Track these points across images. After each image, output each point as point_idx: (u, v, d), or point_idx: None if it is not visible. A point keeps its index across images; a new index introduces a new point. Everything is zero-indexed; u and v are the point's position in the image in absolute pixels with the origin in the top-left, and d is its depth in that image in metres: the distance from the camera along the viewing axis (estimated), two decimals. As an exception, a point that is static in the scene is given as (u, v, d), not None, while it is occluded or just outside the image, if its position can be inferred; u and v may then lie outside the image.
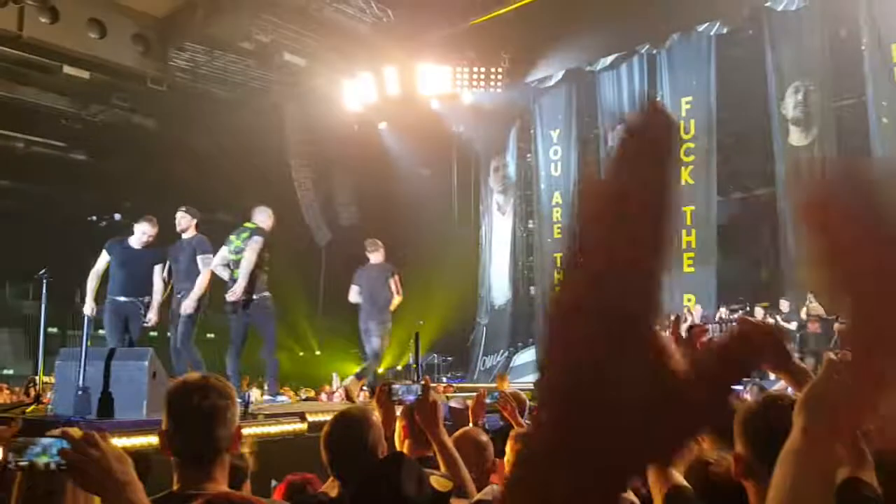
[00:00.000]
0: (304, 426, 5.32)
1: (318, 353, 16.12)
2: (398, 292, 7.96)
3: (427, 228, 14.81)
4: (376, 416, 2.76)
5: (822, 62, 11.83)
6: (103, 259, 6.67)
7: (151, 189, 15.27)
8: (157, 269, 6.73)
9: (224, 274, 6.93)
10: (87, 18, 12.58)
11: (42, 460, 1.40)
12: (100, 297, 6.67)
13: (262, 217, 7.21)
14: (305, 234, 15.57)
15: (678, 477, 1.91)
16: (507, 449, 3.21)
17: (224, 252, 6.98)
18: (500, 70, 13.94)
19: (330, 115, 15.08)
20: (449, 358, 15.21)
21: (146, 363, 5.06)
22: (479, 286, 16.04)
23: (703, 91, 13.09)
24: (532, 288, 15.73)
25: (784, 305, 11.59)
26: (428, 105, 14.69)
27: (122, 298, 6.58)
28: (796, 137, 12.20)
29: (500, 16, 12.65)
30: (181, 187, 15.67)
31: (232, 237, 7.05)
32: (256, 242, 6.79)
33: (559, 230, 14.87)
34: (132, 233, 6.72)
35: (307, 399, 10.71)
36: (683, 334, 1.91)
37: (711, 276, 12.99)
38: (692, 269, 13.11)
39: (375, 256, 8.12)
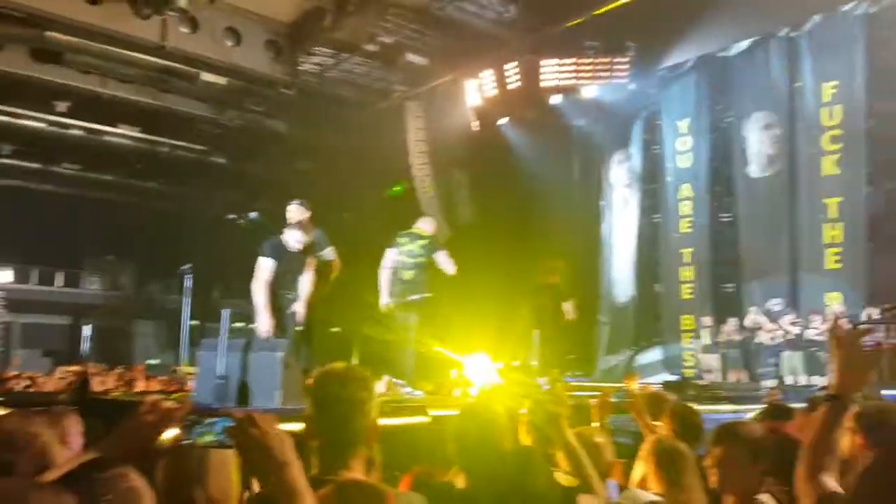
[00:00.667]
0: (427, 419, 5.36)
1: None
2: None
3: (548, 224, 14.62)
4: (503, 410, 2.73)
5: None
6: (268, 266, 6.51)
7: (284, 189, 15.97)
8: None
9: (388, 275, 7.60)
10: (224, 27, 13.30)
11: (207, 438, 1.50)
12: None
13: (431, 226, 8.05)
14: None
15: (831, 483, 1.74)
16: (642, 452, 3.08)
17: (394, 255, 7.71)
18: (624, 60, 13.50)
19: (451, 113, 15.18)
20: (569, 357, 14.94)
21: (280, 354, 5.26)
22: (600, 283, 15.65)
23: (850, 75, 12.12)
24: (657, 285, 15.18)
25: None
26: (549, 100, 14.47)
27: (291, 295, 6.63)
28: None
29: (625, 4, 12.21)
30: (310, 187, 16.33)
31: (402, 241, 7.81)
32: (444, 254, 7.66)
33: (687, 224, 14.26)
34: (275, 232, 6.73)
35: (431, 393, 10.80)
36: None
37: (860, 273, 12.02)
38: (838, 266, 12.20)
39: None
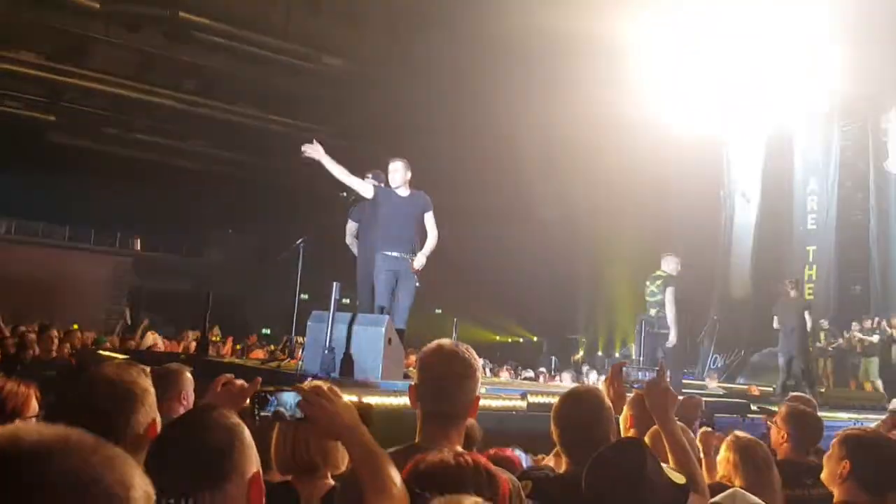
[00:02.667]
0: (523, 403, 5.37)
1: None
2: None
3: (667, 216, 14.17)
4: (607, 398, 2.69)
5: None
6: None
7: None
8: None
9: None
10: (346, 11, 13.59)
11: (281, 411, 1.64)
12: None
13: (672, 265, 8.53)
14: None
15: None
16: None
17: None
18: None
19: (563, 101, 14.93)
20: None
21: (383, 329, 5.35)
22: (714, 277, 15.03)
23: None
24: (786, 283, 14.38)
25: None
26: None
27: (395, 254, 5.90)
28: None
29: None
30: (424, 171, 16.55)
31: (647, 282, 8.62)
32: (671, 293, 8.13)
33: (812, 221, 13.44)
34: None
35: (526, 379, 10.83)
36: None
37: None
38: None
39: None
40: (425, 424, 1.95)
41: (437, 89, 15.46)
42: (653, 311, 8.50)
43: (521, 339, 16.63)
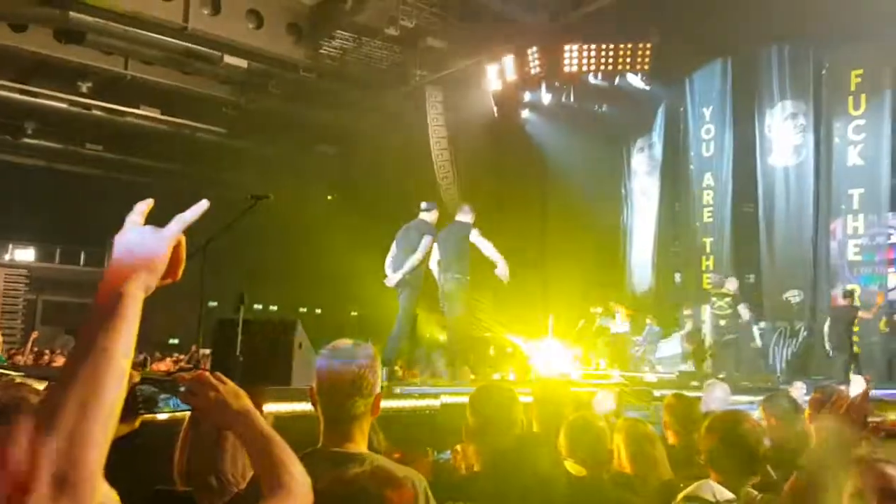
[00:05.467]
0: (437, 402, 5.41)
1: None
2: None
3: (567, 212, 14.53)
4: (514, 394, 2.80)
5: None
6: None
7: (304, 172, 16.06)
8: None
9: None
10: (246, 10, 13.30)
11: (169, 407, 1.57)
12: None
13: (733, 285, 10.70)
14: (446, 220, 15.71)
15: None
16: None
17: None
18: (648, 47, 13.33)
19: (471, 98, 15.09)
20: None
21: (293, 335, 5.30)
22: (622, 272, 15.57)
23: (875, 61, 11.90)
24: (677, 275, 15.05)
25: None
26: (571, 85, 14.33)
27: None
28: None
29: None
30: (332, 170, 16.40)
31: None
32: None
33: (709, 214, 14.12)
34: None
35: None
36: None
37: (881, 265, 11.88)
38: (858, 258, 12.08)
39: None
40: (327, 426, 1.93)
41: (342, 90, 15.38)
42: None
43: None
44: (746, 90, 13.63)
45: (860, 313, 10.78)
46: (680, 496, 2.37)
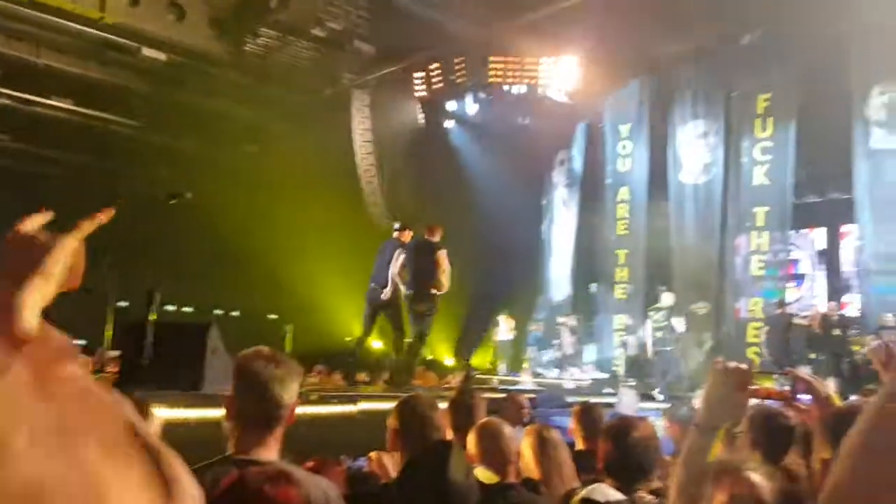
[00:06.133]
0: (355, 409, 5.38)
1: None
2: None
3: (491, 223, 14.71)
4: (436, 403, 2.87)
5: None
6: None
7: (224, 171, 15.66)
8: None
9: None
10: (168, 1, 12.92)
11: None
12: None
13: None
14: (369, 223, 15.65)
15: None
16: None
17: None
18: (573, 62, 13.66)
19: (397, 104, 15.12)
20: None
21: (206, 338, 5.17)
22: (539, 282, 15.89)
23: (782, 88, 12.58)
24: (593, 285, 15.47)
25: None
26: (495, 96, 14.55)
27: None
28: (880, 140, 11.61)
29: (575, 5, 12.30)
30: (252, 170, 16.05)
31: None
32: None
33: (624, 227, 14.57)
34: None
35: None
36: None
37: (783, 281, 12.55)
38: (762, 272, 12.73)
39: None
40: (241, 434, 1.92)
41: (265, 89, 15.12)
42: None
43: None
44: (662, 109, 14.16)
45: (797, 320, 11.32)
46: (575, 498, 2.45)
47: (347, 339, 16.11)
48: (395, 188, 15.67)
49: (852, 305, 12.71)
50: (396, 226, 8.71)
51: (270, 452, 1.92)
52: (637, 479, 2.51)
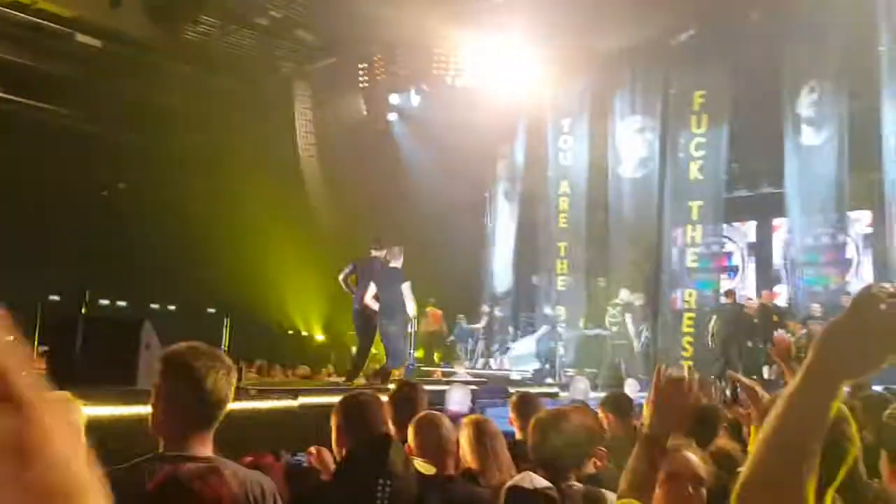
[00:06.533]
0: (295, 403, 5.35)
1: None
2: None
3: (433, 215, 14.73)
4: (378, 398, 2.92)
5: (837, 62, 11.65)
6: None
7: (165, 160, 15.24)
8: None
9: None
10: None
11: None
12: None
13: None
14: (310, 215, 15.49)
15: None
16: None
17: None
18: (513, 57, 13.75)
19: (340, 95, 14.98)
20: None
21: (140, 334, 5.06)
22: (482, 274, 16.02)
23: (717, 85, 12.94)
24: (534, 277, 15.67)
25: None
26: (440, 89, 14.55)
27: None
28: (809, 137, 12.07)
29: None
30: (192, 161, 15.67)
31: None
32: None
33: (564, 220, 14.79)
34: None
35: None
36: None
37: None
38: (695, 265, 13.10)
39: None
40: (173, 431, 1.89)
41: (204, 77, 14.80)
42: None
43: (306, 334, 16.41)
44: (602, 104, 14.41)
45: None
46: (505, 486, 2.51)
47: (289, 331, 15.98)
48: (336, 180, 15.54)
49: (781, 297, 13.18)
50: (374, 244, 8.93)
51: (205, 449, 1.90)
52: (566, 467, 2.58)
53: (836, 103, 11.70)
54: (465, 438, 3.07)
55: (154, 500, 1.59)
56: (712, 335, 11.67)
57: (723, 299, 12.11)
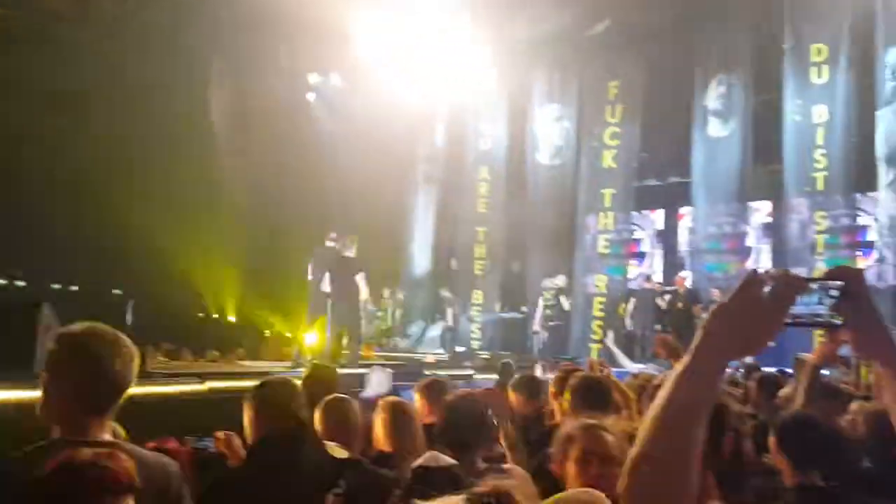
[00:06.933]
0: (203, 387, 5.23)
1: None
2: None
3: (355, 197, 14.57)
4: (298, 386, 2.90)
5: (745, 58, 12.17)
6: None
7: (67, 136, 14.44)
8: None
9: None
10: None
11: None
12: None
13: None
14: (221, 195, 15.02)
15: None
16: None
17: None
18: (435, 40, 13.70)
19: (255, 73, 14.56)
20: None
21: (38, 315, 4.83)
22: (402, 256, 16.00)
23: (630, 76, 13.30)
24: (453, 261, 15.77)
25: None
26: (359, 69, 14.34)
27: None
28: (715, 129, 12.56)
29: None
30: (101, 137, 14.90)
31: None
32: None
33: (483, 205, 14.94)
34: None
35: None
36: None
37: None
38: (606, 251, 13.50)
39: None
40: (71, 415, 1.84)
41: (113, 52, 14.09)
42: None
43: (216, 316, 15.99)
44: (521, 91, 14.58)
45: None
46: (413, 465, 2.55)
47: (199, 314, 15.53)
48: (251, 160, 15.13)
49: (686, 282, 13.74)
50: (333, 235, 9.60)
51: (103, 433, 1.86)
52: (472, 447, 2.64)
53: (741, 97, 12.22)
54: (380, 421, 3.08)
55: (48, 486, 1.53)
56: (631, 318, 12.21)
57: (634, 284, 12.61)
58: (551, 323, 12.57)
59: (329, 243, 9.48)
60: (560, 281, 12.78)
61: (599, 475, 1.96)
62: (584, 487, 1.81)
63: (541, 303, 12.78)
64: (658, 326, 12.04)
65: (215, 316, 15.73)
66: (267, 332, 15.10)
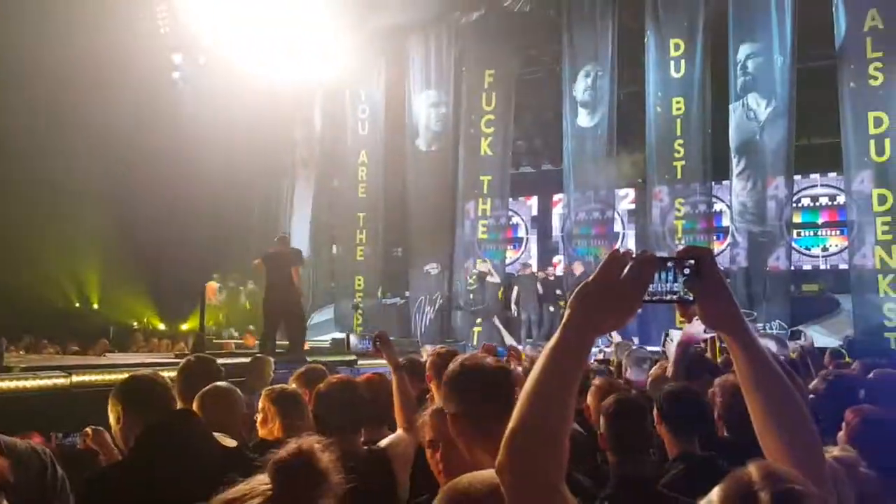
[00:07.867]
0: (66, 382, 4.93)
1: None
2: None
3: (231, 181, 14.04)
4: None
5: (611, 50, 12.72)
6: None
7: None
8: None
9: None
10: None
11: None
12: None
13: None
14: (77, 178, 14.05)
15: None
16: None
17: None
18: (309, 24, 13.41)
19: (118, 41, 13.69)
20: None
21: None
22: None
23: (505, 65, 13.61)
24: (334, 247, 15.61)
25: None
26: (228, 51, 13.79)
27: None
28: (583, 119, 13.08)
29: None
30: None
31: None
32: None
33: (363, 190, 14.86)
34: None
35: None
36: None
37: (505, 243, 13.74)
38: (485, 236, 13.81)
39: None
40: None
41: None
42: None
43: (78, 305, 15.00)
44: (399, 76, 14.58)
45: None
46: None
47: (59, 305, 14.54)
48: (112, 142, 14.24)
49: (559, 266, 14.30)
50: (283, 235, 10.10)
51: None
52: (348, 432, 2.67)
53: (607, 88, 12.79)
54: (267, 407, 3.06)
55: None
56: (515, 302, 12.69)
57: (511, 269, 13.05)
58: (475, 307, 13.09)
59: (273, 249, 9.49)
60: (483, 267, 13.26)
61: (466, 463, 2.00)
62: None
63: (462, 286, 13.39)
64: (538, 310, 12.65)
65: (77, 306, 14.80)
66: (135, 324, 14.40)
